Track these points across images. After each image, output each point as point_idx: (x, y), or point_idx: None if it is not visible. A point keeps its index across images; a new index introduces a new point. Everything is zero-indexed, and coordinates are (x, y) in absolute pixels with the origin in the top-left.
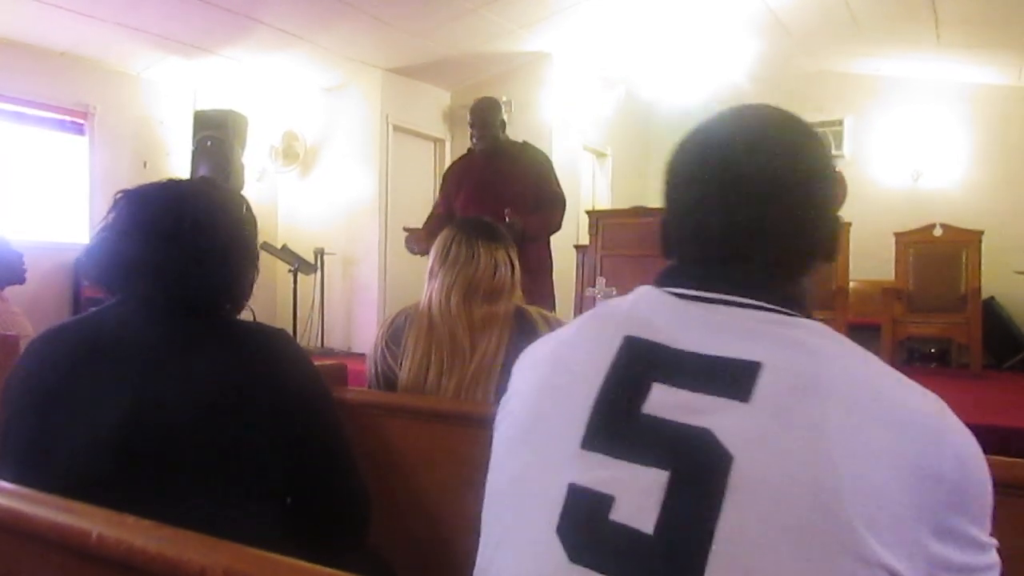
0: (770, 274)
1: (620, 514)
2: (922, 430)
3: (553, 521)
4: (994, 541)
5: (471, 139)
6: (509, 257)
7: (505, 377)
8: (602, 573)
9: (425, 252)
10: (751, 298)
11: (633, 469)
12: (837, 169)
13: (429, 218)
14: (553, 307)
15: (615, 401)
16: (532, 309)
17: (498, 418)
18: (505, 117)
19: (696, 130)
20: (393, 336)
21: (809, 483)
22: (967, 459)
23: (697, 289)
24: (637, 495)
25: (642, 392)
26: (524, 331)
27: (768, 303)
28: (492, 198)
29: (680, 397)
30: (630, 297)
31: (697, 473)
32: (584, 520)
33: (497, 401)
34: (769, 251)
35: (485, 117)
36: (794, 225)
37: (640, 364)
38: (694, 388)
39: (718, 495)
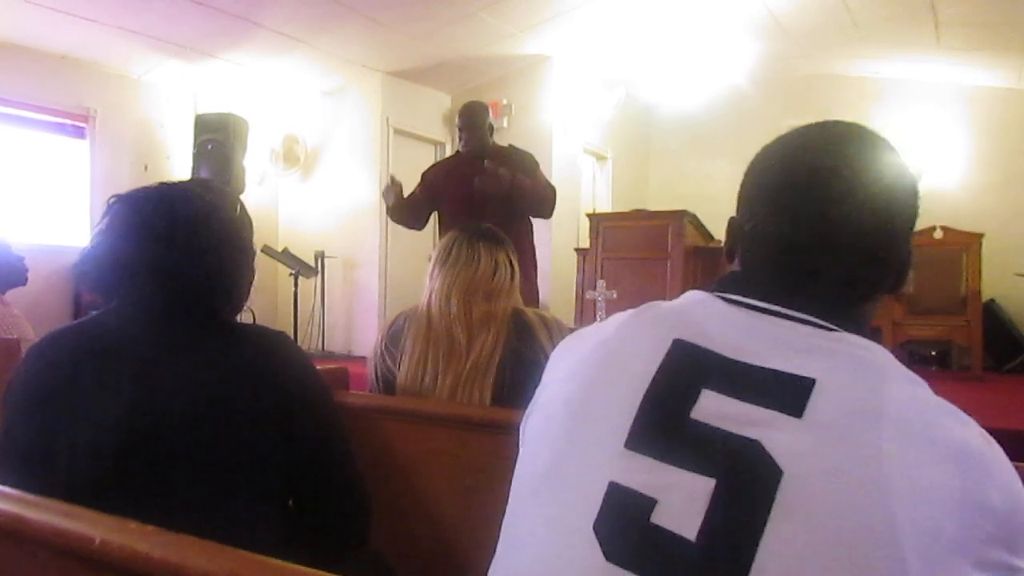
0: (838, 294)
1: (662, 518)
2: (973, 464)
3: (590, 518)
4: None
5: (459, 141)
6: (510, 259)
7: (501, 377)
8: (637, 574)
9: (393, 207)
10: (813, 315)
11: (678, 474)
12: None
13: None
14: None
15: (663, 404)
16: (530, 310)
17: (529, 409)
18: (493, 122)
19: (793, 137)
20: (392, 338)
21: (862, 507)
22: (1015, 492)
23: (759, 299)
24: (680, 500)
25: (691, 397)
26: (521, 333)
27: (829, 323)
28: (478, 199)
29: (730, 406)
30: (679, 300)
31: (745, 484)
32: (624, 520)
33: (494, 401)
34: (843, 272)
35: (473, 120)
36: (875, 251)
37: (690, 369)
38: (745, 399)
39: (765, 508)
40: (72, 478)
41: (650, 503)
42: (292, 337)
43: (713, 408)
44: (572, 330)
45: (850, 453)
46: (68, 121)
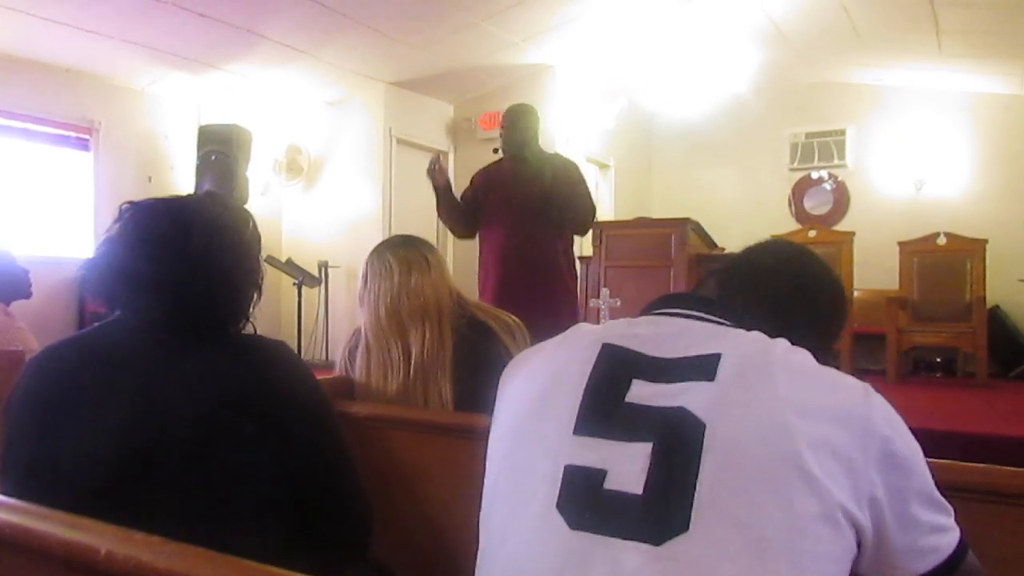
0: (725, 303)
1: (612, 483)
2: (855, 392)
3: (553, 499)
4: (949, 509)
5: (500, 144)
6: (421, 253)
7: (461, 375)
8: (601, 534)
9: (444, 201)
10: (712, 315)
11: (621, 446)
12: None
13: (461, 197)
14: (575, 316)
15: (601, 393)
16: (484, 312)
17: (492, 425)
18: (532, 126)
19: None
20: (350, 355)
21: (769, 436)
22: (891, 418)
23: (669, 307)
24: (626, 465)
25: (623, 386)
26: (479, 332)
27: (725, 320)
28: (518, 203)
29: (657, 388)
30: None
31: (676, 441)
32: (581, 493)
33: (458, 400)
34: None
35: (508, 122)
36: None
37: (620, 364)
38: (668, 381)
39: (696, 455)
40: (74, 489)
41: (601, 474)
42: (295, 347)
43: (643, 392)
44: (530, 328)
45: (754, 396)
46: (72, 133)
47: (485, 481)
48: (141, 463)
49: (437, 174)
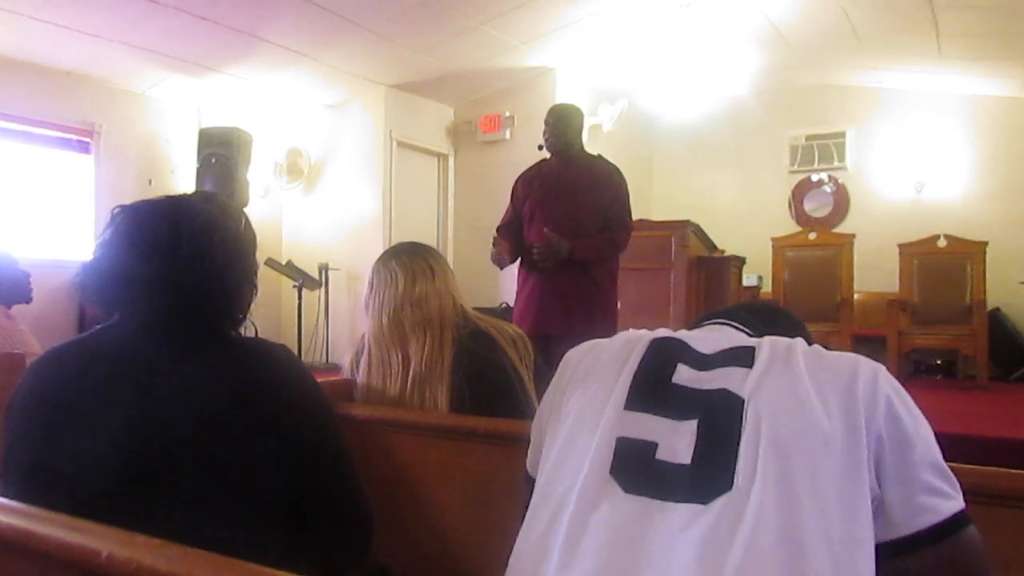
0: (748, 320)
1: (663, 454)
2: (863, 364)
3: (606, 467)
4: (954, 481)
5: (546, 142)
6: (427, 263)
7: (457, 381)
8: (652, 497)
9: (507, 263)
10: (742, 325)
11: (670, 423)
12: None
13: (498, 229)
14: (613, 327)
15: (650, 375)
16: (486, 322)
17: (546, 408)
18: (580, 126)
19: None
20: (356, 359)
21: (795, 406)
22: (898, 387)
23: (710, 319)
24: (675, 440)
25: (671, 368)
26: (482, 342)
27: (751, 332)
28: (561, 207)
29: (701, 375)
30: None
31: (720, 415)
32: (634, 462)
33: (454, 405)
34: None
35: (554, 123)
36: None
37: (667, 352)
38: (711, 368)
39: (737, 426)
40: (75, 492)
41: (652, 446)
42: (296, 350)
43: (688, 376)
44: (569, 339)
45: (781, 375)
46: (73, 136)
47: (541, 463)
48: (142, 466)
49: (500, 252)
